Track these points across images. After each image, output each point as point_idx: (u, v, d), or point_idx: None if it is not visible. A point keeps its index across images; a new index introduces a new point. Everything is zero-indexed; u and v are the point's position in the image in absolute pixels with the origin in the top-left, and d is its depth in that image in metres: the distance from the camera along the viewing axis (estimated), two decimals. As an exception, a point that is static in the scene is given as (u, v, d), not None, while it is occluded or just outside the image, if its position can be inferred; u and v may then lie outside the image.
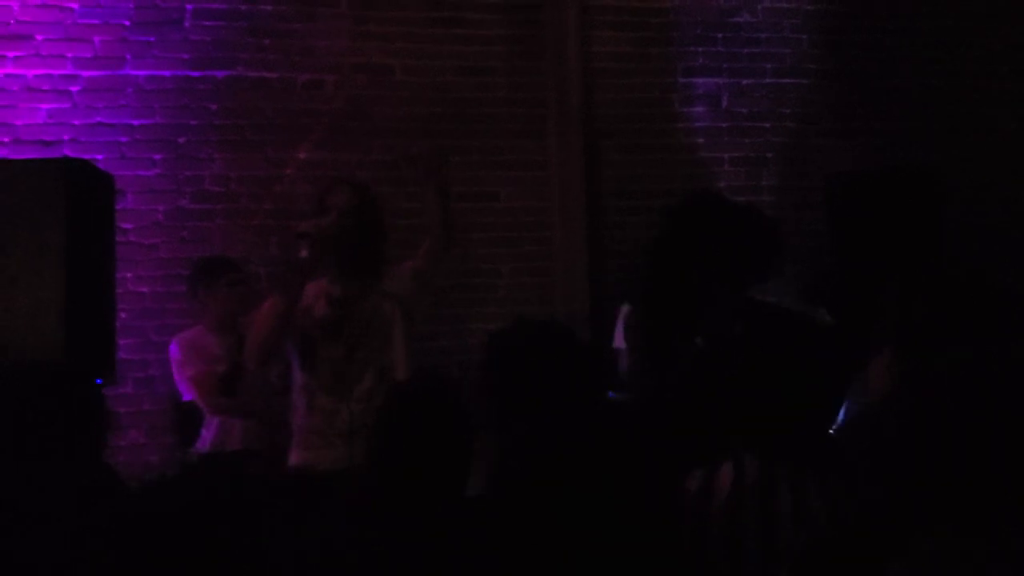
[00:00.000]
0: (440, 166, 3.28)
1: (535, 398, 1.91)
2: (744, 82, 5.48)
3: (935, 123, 5.55)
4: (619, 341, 4.57)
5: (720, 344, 1.86)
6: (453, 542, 1.72)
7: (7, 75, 4.57)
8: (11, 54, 4.58)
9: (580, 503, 1.57)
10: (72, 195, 2.92)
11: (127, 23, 4.71)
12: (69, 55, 4.64)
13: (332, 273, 3.18)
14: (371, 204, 3.25)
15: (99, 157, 4.44)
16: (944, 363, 1.31)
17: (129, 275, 4.50)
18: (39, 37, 4.62)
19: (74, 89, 4.64)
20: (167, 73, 4.75)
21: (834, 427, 1.87)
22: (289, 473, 3.17)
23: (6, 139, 4.54)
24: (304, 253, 2.96)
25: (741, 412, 1.75)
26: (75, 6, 4.66)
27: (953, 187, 3.50)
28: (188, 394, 4.14)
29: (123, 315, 4.21)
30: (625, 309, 4.38)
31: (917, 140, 5.46)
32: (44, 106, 4.61)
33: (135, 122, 4.70)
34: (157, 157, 4.73)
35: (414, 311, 3.28)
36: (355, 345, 3.12)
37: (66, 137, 4.60)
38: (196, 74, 4.78)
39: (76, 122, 4.63)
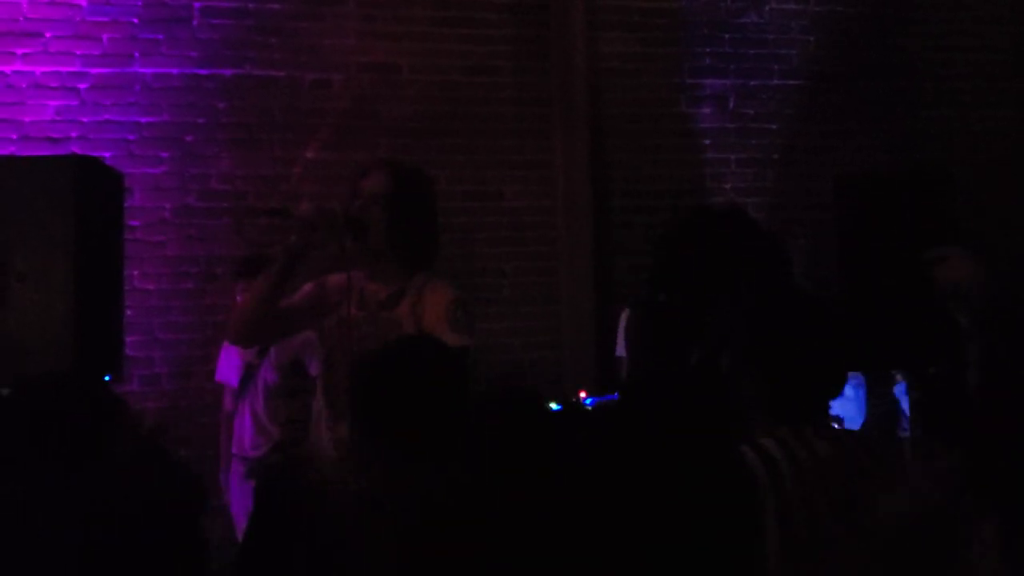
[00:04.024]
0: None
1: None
2: (751, 83, 5.48)
3: (944, 124, 5.55)
4: (621, 350, 4.59)
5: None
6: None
7: (16, 72, 4.59)
8: (20, 51, 4.59)
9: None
10: (80, 192, 2.92)
11: (135, 21, 4.72)
12: (78, 52, 4.66)
13: (366, 269, 2.69)
14: (414, 192, 2.69)
15: (107, 154, 4.46)
16: None
17: (136, 272, 4.52)
18: (48, 34, 4.63)
19: (82, 86, 4.66)
20: (175, 71, 4.76)
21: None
22: None
23: (14, 136, 4.56)
24: (294, 236, 2.57)
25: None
26: (84, 4, 4.67)
27: (963, 188, 3.49)
28: (236, 377, 4.23)
29: (129, 312, 4.22)
30: (625, 316, 4.40)
31: (925, 141, 5.46)
32: (52, 103, 4.62)
33: (143, 120, 4.72)
34: (165, 155, 4.74)
35: None
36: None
37: (74, 134, 4.62)
38: (204, 72, 4.79)
39: (84, 119, 4.65)
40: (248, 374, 4.20)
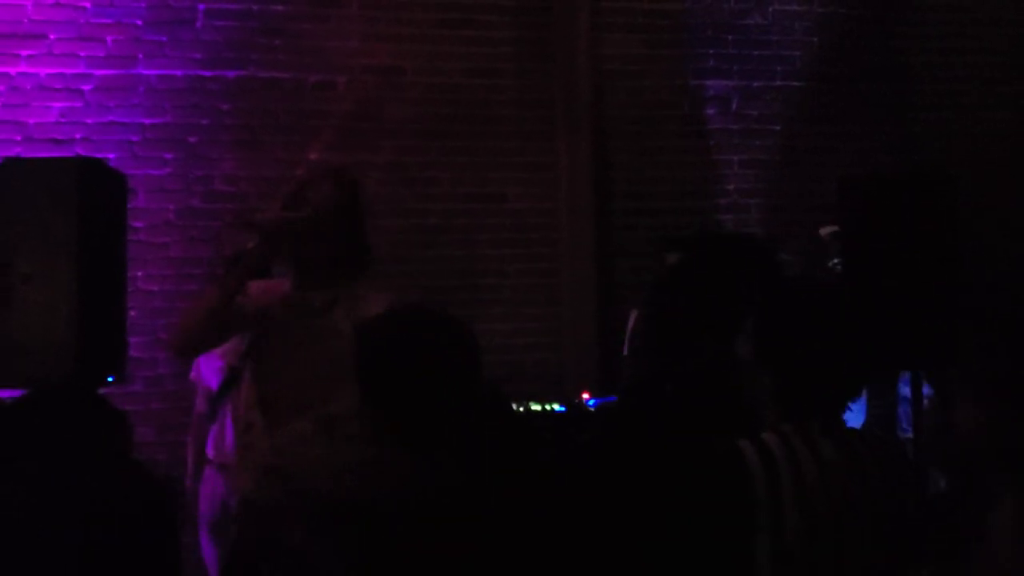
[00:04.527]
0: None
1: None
2: (754, 84, 5.48)
3: (944, 126, 5.55)
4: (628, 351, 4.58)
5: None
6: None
7: (20, 74, 4.60)
8: (24, 53, 4.61)
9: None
10: (84, 194, 2.93)
11: (139, 23, 4.74)
12: (82, 54, 4.67)
13: (296, 278, 2.69)
14: (356, 202, 2.73)
15: (111, 156, 4.47)
16: None
17: (140, 273, 4.53)
18: (52, 36, 4.65)
19: (86, 88, 4.67)
20: (179, 73, 4.77)
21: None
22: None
23: (18, 138, 4.57)
24: (252, 245, 2.59)
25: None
26: (88, 5, 4.68)
27: (963, 190, 3.50)
28: (216, 380, 4.11)
29: (133, 313, 4.22)
30: (633, 316, 4.40)
31: (926, 143, 5.46)
32: (56, 105, 4.64)
33: (147, 121, 4.73)
34: (168, 156, 4.75)
35: None
36: (303, 370, 2.62)
37: (78, 136, 4.63)
38: (207, 74, 4.80)
39: (88, 121, 4.66)
40: (233, 377, 4.04)
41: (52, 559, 1.75)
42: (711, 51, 5.44)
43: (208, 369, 4.13)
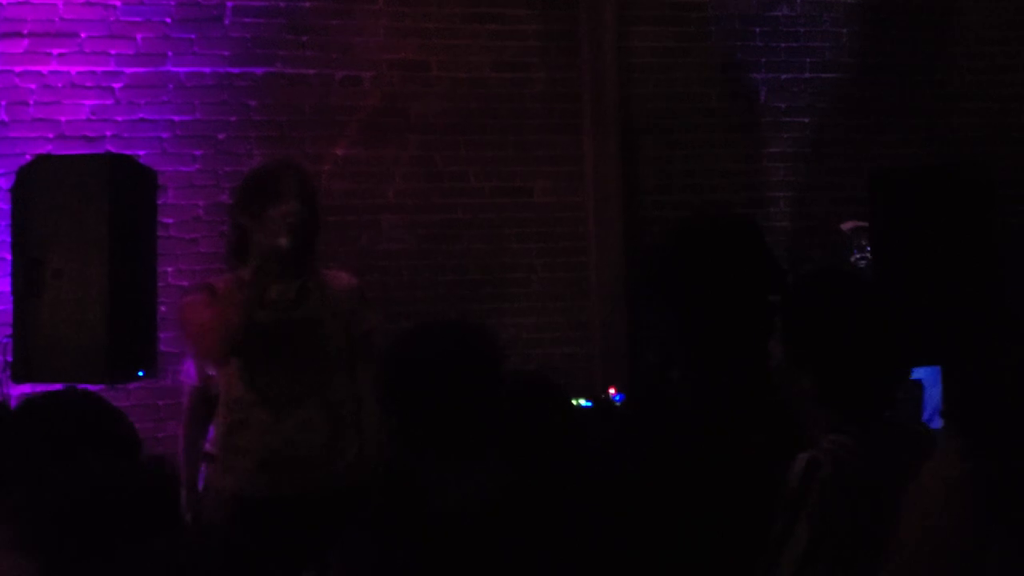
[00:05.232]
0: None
1: None
2: (783, 76, 5.43)
3: (981, 118, 5.46)
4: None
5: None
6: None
7: (52, 72, 4.65)
8: (56, 51, 4.66)
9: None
10: (115, 190, 2.97)
11: (168, 20, 4.77)
12: (112, 52, 4.71)
13: (267, 270, 2.74)
14: (316, 202, 2.85)
15: (141, 153, 4.51)
16: None
17: (170, 269, 4.57)
18: (83, 34, 4.69)
19: (117, 86, 4.72)
20: (207, 70, 4.80)
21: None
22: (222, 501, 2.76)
23: (51, 135, 4.62)
24: (283, 241, 2.65)
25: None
26: (118, 4, 4.73)
27: (1000, 184, 3.43)
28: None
29: (163, 308, 4.27)
30: None
31: (961, 135, 5.38)
32: (88, 102, 4.68)
33: (176, 118, 4.77)
34: (197, 153, 4.79)
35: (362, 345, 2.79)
36: (293, 361, 2.73)
37: (109, 133, 4.67)
38: (236, 71, 4.83)
39: (119, 118, 4.70)
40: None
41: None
42: (739, 43, 5.39)
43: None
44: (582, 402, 4.00)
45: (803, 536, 1.60)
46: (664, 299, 1.94)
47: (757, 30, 5.42)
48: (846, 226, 4.87)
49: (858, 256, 4.65)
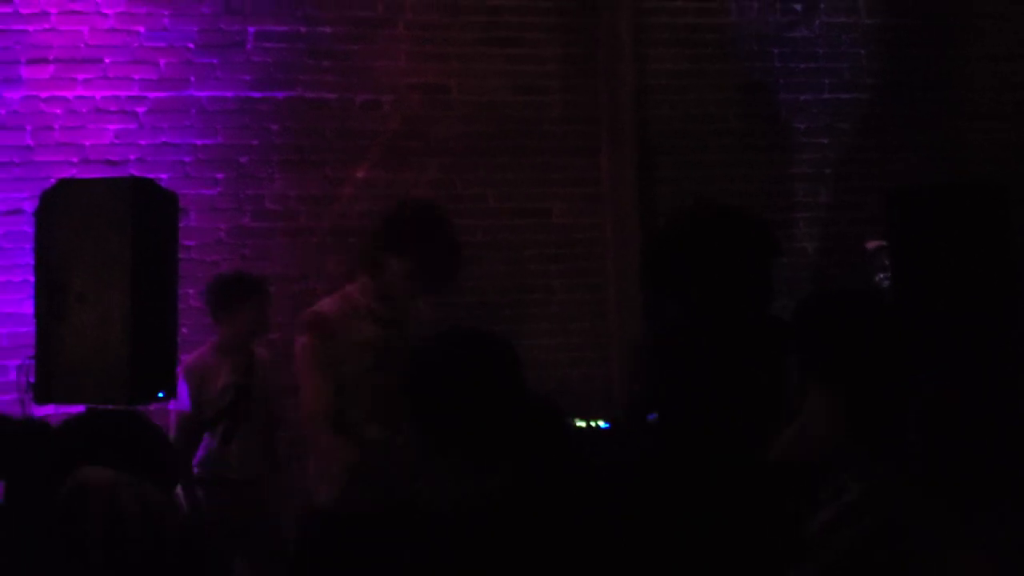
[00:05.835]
0: None
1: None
2: (801, 97, 5.43)
3: (998, 137, 5.44)
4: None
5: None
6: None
7: (77, 97, 4.73)
8: (81, 76, 4.73)
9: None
10: (137, 213, 3.00)
11: (191, 46, 4.84)
12: (136, 77, 4.78)
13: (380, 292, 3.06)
14: None
15: (163, 176, 4.56)
16: None
17: (191, 291, 4.60)
18: (107, 60, 4.77)
19: (140, 110, 4.78)
20: (230, 94, 4.86)
21: None
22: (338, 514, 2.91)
23: (75, 159, 4.69)
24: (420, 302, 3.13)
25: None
26: (141, 30, 4.80)
27: (1017, 202, 3.42)
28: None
29: (184, 330, 4.30)
30: None
31: (978, 154, 5.36)
32: (111, 127, 4.75)
33: (198, 142, 4.83)
34: (219, 176, 4.84)
35: None
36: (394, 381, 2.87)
37: (132, 157, 4.74)
38: (257, 95, 4.89)
39: (142, 142, 4.77)
40: (242, 394, 4.02)
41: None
42: (757, 64, 5.40)
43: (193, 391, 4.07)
44: (600, 423, 3.99)
45: None
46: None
47: (776, 51, 5.42)
48: (870, 245, 4.85)
49: (882, 276, 4.61)
